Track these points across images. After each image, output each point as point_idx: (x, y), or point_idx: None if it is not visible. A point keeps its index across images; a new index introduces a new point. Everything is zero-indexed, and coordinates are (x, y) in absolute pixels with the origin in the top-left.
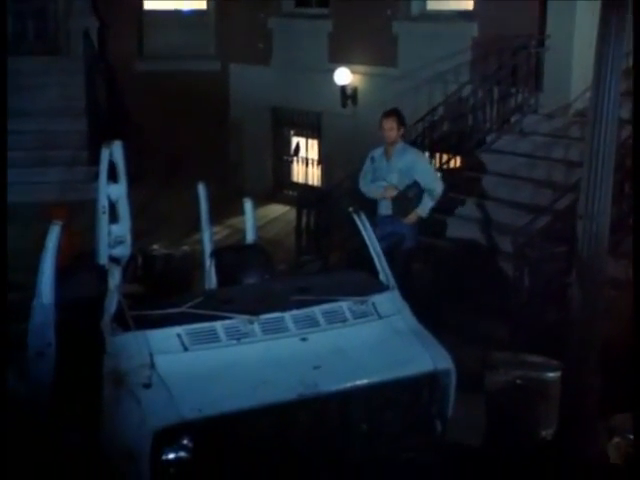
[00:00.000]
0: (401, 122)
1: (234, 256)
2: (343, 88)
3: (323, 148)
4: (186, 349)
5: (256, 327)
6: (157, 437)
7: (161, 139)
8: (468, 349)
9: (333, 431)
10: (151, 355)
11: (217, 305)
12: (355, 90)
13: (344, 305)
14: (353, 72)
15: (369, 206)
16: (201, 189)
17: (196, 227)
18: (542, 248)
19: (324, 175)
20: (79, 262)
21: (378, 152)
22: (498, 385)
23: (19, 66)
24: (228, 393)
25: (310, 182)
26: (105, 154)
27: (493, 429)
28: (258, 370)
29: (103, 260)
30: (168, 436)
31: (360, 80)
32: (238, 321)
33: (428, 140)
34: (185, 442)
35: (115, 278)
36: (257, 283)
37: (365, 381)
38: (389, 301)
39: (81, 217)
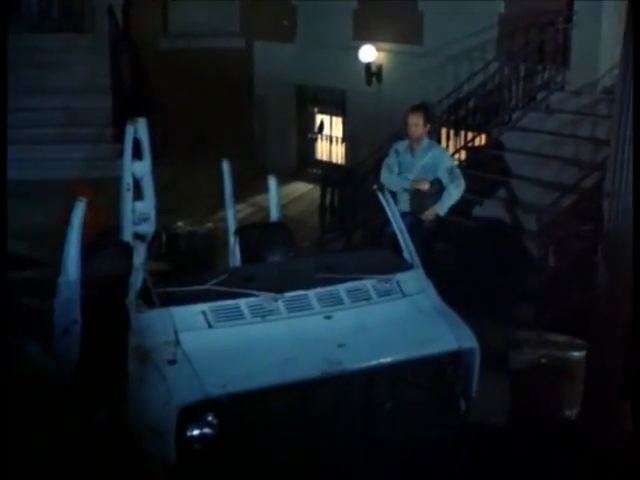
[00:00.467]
0: (427, 118)
1: (258, 234)
2: (368, 65)
3: (347, 126)
4: (211, 326)
5: (280, 305)
6: (182, 414)
7: (185, 116)
8: (492, 328)
9: (357, 409)
10: (176, 332)
11: (241, 283)
12: (380, 67)
13: (368, 283)
14: (378, 49)
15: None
16: (225, 166)
17: (220, 205)
18: (567, 227)
19: (348, 153)
20: (104, 239)
21: (402, 146)
22: (522, 364)
23: (44, 43)
24: (252, 370)
25: (334, 160)
26: (130, 131)
27: (517, 408)
28: (282, 348)
29: (128, 237)
30: (193, 413)
31: (385, 57)
32: (262, 299)
33: (453, 118)
34: (210, 419)
35: (140, 255)
36: (281, 261)
37: (389, 359)
38: (413, 279)
39: (106, 194)
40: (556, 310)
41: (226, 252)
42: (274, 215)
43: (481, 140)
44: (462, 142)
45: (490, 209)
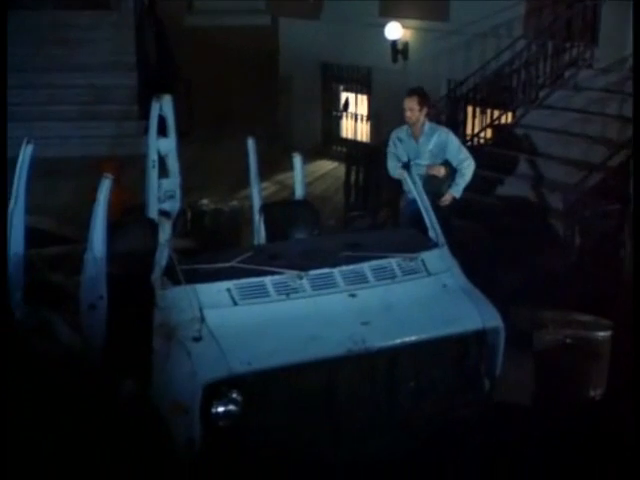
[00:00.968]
0: (423, 102)
1: (283, 211)
2: (394, 43)
3: (372, 104)
4: (236, 303)
5: (305, 282)
6: (207, 390)
7: (210, 94)
8: (517, 307)
9: (381, 387)
10: (201, 309)
11: (266, 260)
12: (406, 45)
13: (393, 262)
14: (404, 27)
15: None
16: (250, 144)
17: (245, 182)
18: (594, 206)
19: (373, 131)
20: (129, 216)
21: (403, 133)
22: (547, 344)
23: (70, 20)
24: (277, 348)
25: (359, 138)
26: (155, 108)
27: (542, 388)
28: (307, 325)
29: (153, 214)
30: (217, 390)
31: (411, 35)
32: (287, 276)
33: (479, 95)
34: (234, 395)
35: (165, 232)
36: (306, 239)
37: (413, 338)
38: (438, 258)
39: (131, 171)
40: (582, 290)
41: (251, 230)
42: (299, 193)
43: (507, 118)
44: (488, 120)
45: (516, 188)
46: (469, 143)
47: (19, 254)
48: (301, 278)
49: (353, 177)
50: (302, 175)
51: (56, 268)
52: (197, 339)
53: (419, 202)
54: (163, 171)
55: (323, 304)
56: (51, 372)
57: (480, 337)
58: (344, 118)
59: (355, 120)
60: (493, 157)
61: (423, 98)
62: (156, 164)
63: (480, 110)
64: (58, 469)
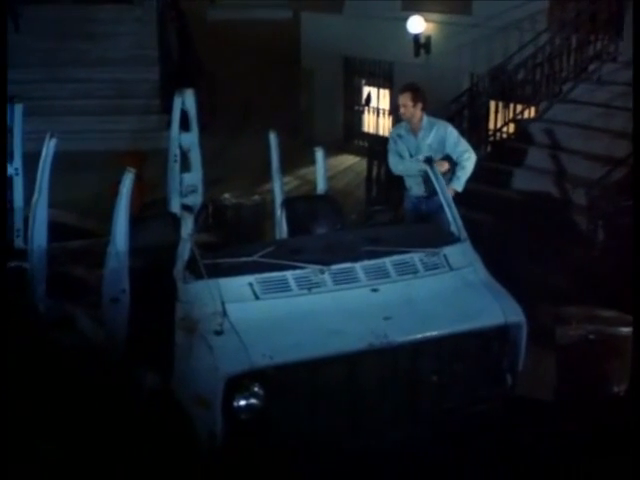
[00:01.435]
0: (417, 98)
1: (305, 206)
2: (416, 37)
3: (395, 98)
4: (257, 298)
5: (327, 277)
6: (228, 384)
7: (232, 88)
8: (540, 303)
9: (402, 382)
10: (223, 303)
11: (288, 255)
12: (428, 39)
13: (415, 256)
14: (426, 20)
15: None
16: (272, 138)
17: (267, 176)
18: (617, 201)
19: (395, 125)
20: (152, 210)
21: (402, 130)
22: (570, 340)
23: (93, 15)
24: (299, 342)
25: (381, 132)
26: (177, 103)
27: (564, 384)
28: (328, 320)
29: (175, 208)
30: (239, 383)
31: (433, 28)
32: (309, 271)
33: (502, 89)
34: (256, 389)
35: (187, 226)
36: (328, 233)
37: (435, 333)
38: (460, 253)
39: (153, 165)
40: (605, 285)
41: (273, 224)
42: (321, 187)
43: (530, 113)
44: (511, 115)
45: (538, 182)
46: (491, 138)
47: (42, 247)
48: (323, 273)
49: (375, 172)
50: (324, 169)
51: (79, 261)
52: (219, 333)
53: (441, 196)
54: (185, 165)
55: (345, 299)
56: (74, 365)
57: (502, 332)
58: (366, 112)
59: (377, 115)
60: (515, 152)
61: (416, 93)
62: (178, 158)
63: (503, 104)
64: (79, 462)
